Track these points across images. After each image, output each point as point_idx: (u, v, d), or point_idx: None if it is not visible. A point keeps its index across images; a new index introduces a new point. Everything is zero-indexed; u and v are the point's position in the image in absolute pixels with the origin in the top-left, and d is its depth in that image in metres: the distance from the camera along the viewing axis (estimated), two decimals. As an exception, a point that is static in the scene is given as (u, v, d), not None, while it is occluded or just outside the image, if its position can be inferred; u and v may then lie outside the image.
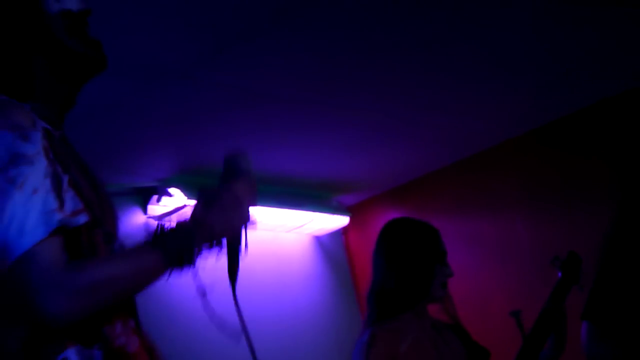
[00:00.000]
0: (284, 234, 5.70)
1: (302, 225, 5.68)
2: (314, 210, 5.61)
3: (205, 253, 1.67)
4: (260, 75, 3.92)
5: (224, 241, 1.74)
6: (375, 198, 5.99)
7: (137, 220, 4.96)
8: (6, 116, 1.47)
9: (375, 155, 5.17)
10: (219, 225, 1.67)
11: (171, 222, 1.61)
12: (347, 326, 5.75)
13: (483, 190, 5.22)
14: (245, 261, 3.51)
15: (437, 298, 3.10)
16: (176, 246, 1.58)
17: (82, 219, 1.48)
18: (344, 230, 6.04)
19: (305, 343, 5.44)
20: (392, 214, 5.87)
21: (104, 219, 1.63)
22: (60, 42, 1.64)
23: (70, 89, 1.70)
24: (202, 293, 1.80)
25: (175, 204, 4.92)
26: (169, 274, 1.60)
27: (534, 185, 4.96)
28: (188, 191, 4.87)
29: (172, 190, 4.87)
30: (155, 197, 4.91)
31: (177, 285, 3.77)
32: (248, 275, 4.40)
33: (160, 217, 4.99)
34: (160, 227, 1.58)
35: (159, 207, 4.97)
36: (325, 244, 5.95)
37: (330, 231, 5.92)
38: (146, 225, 4.91)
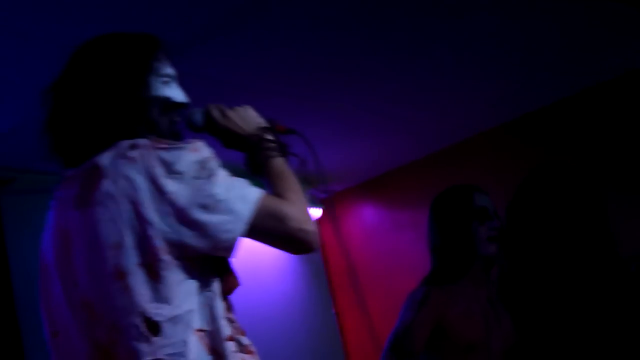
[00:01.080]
0: None
1: None
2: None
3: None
4: (233, 68, 3.93)
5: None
6: (348, 190, 6.05)
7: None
8: (164, 143, 1.81)
9: (348, 148, 5.20)
10: (251, 119, 2.21)
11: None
12: (320, 317, 5.86)
13: (455, 183, 5.11)
14: None
15: (487, 256, 3.12)
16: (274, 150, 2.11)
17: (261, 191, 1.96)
18: (317, 222, 6.04)
19: (277, 334, 5.49)
20: (365, 207, 6.05)
21: None
22: (152, 121, 1.96)
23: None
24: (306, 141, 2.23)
25: None
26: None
27: (506, 178, 4.87)
28: None
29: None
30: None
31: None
32: None
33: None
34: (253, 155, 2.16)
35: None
36: None
37: None
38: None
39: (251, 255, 5.52)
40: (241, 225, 1.80)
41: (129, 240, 1.72)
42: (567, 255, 3.04)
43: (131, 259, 1.72)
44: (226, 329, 1.84)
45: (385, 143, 5.20)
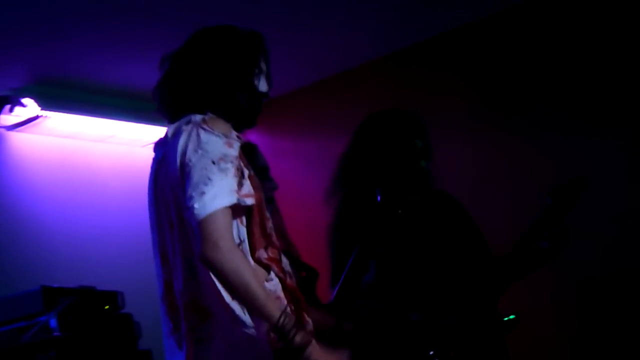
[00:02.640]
0: (138, 149, 5.60)
1: None
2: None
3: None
4: None
5: None
6: None
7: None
8: (216, 127, 2.29)
9: None
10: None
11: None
12: None
13: (340, 111, 5.25)
14: (98, 176, 4.51)
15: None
16: (287, 340, 2.19)
17: (250, 201, 2.28)
18: None
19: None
20: (247, 132, 5.08)
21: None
22: (237, 103, 2.46)
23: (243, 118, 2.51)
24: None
25: (28, 114, 4.87)
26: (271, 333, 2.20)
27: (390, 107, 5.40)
28: (42, 102, 4.85)
29: (25, 100, 4.80)
30: (7, 106, 4.81)
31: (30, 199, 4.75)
32: (101, 189, 4.99)
33: (12, 127, 4.95)
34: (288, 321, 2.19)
35: (12, 117, 4.89)
36: None
37: None
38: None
39: (132, 178, 5.32)
40: (201, 212, 2.18)
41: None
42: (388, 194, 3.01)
43: None
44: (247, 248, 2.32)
45: (272, 69, 5.21)
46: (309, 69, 5.24)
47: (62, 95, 4.99)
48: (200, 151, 2.24)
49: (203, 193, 2.19)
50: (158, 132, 5.36)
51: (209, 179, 2.21)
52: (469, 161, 4.72)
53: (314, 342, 2.24)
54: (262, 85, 2.50)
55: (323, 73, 5.35)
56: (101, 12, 4.14)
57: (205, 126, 2.29)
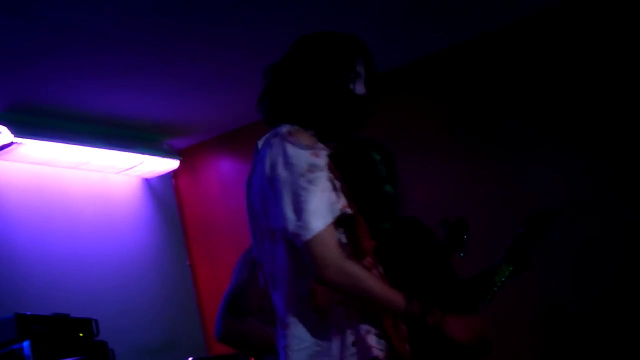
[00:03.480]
0: (113, 176, 5.64)
1: (132, 168, 5.63)
2: (144, 153, 5.58)
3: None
4: (92, 14, 3.90)
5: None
6: (206, 142, 5.95)
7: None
8: (301, 139, 2.24)
9: (208, 99, 5.22)
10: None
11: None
12: (174, 269, 5.79)
13: None
14: (73, 203, 4.42)
15: None
16: (419, 317, 2.21)
17: (349, 211, 2.23)
18: (174, 174, 6.01)
19: (131, 284, 5.42)
20: (224, 159, 5.93)
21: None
22: (332, 110, 2.38)
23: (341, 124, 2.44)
24: None
25: (2, 141, 4.83)
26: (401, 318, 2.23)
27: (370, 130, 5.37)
28: (16, 129, 4.83)
29: (-1, 127, 4.79)
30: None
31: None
32: (76, 216, 4.98)
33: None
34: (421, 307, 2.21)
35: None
36: (155, 187, 5.93)
37: (160, 174, 5.88)
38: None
39: (106, 206, 5.18)
40: (305, 234, 2.13)
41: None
42: None
43: None
44: None
45: (247, 96, 4.66)
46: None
47: (36, 123, 4.98)
48: (289, 166, 2.21)
49: (301, 210, 2.16)
50: (132, 158, 5.48)
51: (302, 195, 2.18)
52: (442, 184, 4.76)
53: (445, 316, 2.25)
54: (360, 89, 2.40)
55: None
56: (74, 40, 4.15)
57: (291, 139, 2.26)
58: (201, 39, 4.31)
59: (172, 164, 5.84)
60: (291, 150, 2.23)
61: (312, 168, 2.20)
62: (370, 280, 2.19)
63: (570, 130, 4.38)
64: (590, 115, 4.32)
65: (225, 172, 5.93)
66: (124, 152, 5.46)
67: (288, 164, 2.21)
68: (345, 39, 2.46)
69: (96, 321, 4.36)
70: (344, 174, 2.96)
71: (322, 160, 2.23)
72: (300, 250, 2.16)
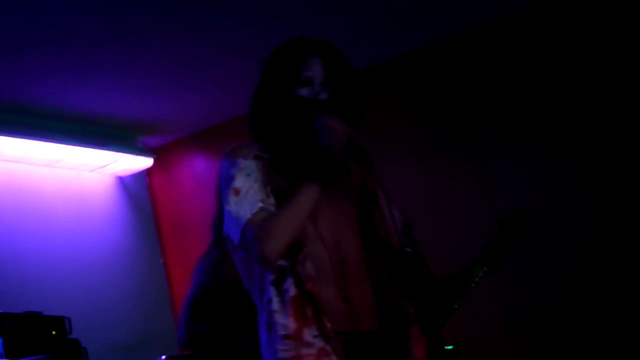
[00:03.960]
0: (87, 173, 5.64)
1: (105, 165, 5.63)
2: (118, 151, 5.57)
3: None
4: (63, 10, 3.87)
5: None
6: (180, 140, 5.95)
7: None
8: (233, 155, 2.32)
9: (182, 97, 5.21)
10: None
11: None
12: (147, 266, 5.78)
13: None
14: (46, 200, 4.43)
15: None
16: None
17: (270, 207, 2.22)
18: (147, 172, 6.00)
19: (104, 282, 5.41)
20: (197, 158, 5.92)
21: None
22: (282, 119, 2.36)
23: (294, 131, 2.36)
24: None
25: None
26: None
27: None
28: None
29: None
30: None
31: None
32: (49, 213, 5.00)
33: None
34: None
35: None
36: (129, 185, 5.92)
37: (134, 172, 5.88)
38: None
39: (79, 203, 5.18)
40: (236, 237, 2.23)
41: None
42: None
43: None
44: None
45: (222, 94, 5.19)
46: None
47: (9, 120, 4.96)
48: (221, 181, 2.33)
49: (232, 219, 2.26)
50: (106, 156, 5.46)
51: (229, 208, 2.26)
52: (416, 184, 4.77)
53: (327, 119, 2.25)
54: (306, 92, 2.35)
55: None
56: (47, 37, 4.12)
57: (226, 156, 2.35)
58: (175, 37, 4.30)
59: (146, 162, 5.85)
60: (223, 165, 2.34)
61: (230, 180, 2.28)
62: (283, 207, 2.22)
63: (544, 131, 4.40)
64: (565, 116, 4.34)
65: (199, 170, 5.94)
66: (98, 150, 5.45)
67: (221, 179, 2.33)
68: (293, 44, 2.42)
69: (69, 319, 4.34)
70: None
71: (238, 170, 2.29)
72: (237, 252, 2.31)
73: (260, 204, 2.23)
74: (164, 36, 4.29)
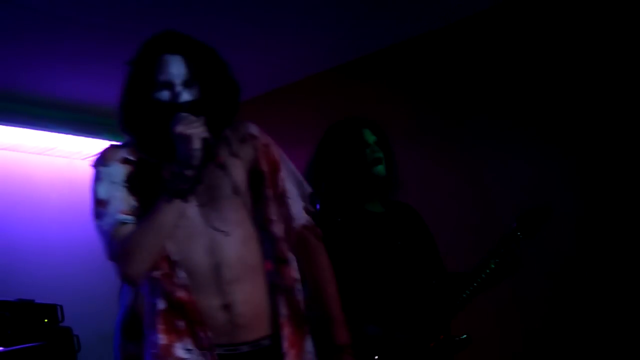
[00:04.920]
0: (79, 162, 5.62)
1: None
2: (110, 139, 5.30)
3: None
4: None
5: None
6: None
7: None
8: (99, 162, 2.26)
9: None
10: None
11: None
12: None
13: (284, 124, 5.09)
14: (38, 188, 4.51)
15: None
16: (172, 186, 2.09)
17: (126, 217, 2.15)
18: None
19: (96, 271, 5.17)
20: None
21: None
22: (143, 124, 2.27)
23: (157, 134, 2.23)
24: None
25: None
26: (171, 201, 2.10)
27: (335, 120, 5.34)
28: None
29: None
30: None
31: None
32: (41, 201, 5.02)
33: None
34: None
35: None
36: None
37: None
38: None
39: (72, 191, 5.22)
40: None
41: None
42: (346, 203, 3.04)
43: None
44: None
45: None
46: (252, 83, 5.19)
47: (2, 108, 4.96)
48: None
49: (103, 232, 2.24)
50: (98, 144, 5.46)
51: (96, 219, 2.24)
52: (407, 174, 4.76)
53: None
54: (166, 95, 2.23)
55: (270, 85, 5.37)
56: (41, 25, 4.11)
57: (92, 165, 2.33)
58: (166, 24, 4.13)
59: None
60: (95, 172, 2.30)
61: (94, 191, 2.26)
62: (143, 225, 2.15)
63: (537, 120, 4.39)
64: (559, 107, 4.33)
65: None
66: (90, 138, 5.44)
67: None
68: (149, 44, 2.37)
69: (61, 307, 4.35)
70: (333, 155, 3.02)
71: (101, 180, 2.26)
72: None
73: (123, 216, 2.18)
74: (155, 22, 4.18)
